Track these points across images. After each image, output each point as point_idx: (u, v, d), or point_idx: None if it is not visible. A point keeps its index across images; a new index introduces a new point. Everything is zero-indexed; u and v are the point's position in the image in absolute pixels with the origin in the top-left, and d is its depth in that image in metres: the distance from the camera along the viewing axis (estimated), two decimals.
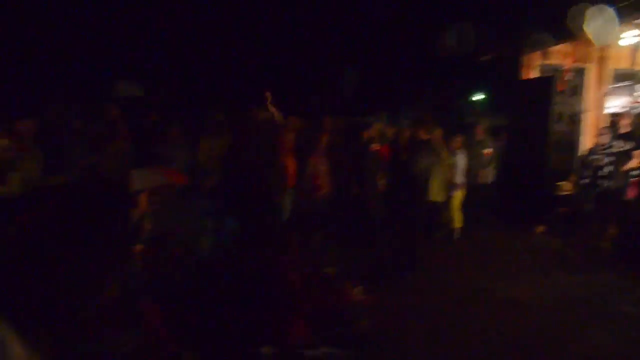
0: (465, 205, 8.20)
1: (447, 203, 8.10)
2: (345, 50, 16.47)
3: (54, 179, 5.91)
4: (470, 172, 8.23)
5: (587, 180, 7.88)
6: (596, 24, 8.29)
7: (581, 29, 8.80)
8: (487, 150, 8.46)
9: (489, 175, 8.70)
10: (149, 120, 7.65)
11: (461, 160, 8.02)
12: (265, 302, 4.28)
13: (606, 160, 7.59)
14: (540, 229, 8.42)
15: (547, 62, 10.95)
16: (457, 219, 8.04)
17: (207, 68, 14.65)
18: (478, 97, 16.88)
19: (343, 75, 15.57)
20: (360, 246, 7.06)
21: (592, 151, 7.94)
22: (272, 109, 6.83)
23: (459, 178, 8.04)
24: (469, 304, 5.38)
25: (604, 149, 7.64)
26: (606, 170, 7.56)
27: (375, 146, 7.73)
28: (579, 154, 9.55)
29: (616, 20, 8.03)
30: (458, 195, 8.04)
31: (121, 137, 6.67)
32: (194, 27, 14.52)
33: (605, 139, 7.65)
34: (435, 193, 7.81)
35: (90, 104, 8.32)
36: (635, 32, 9.20)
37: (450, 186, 8.02)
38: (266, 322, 4.26)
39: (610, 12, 7.90)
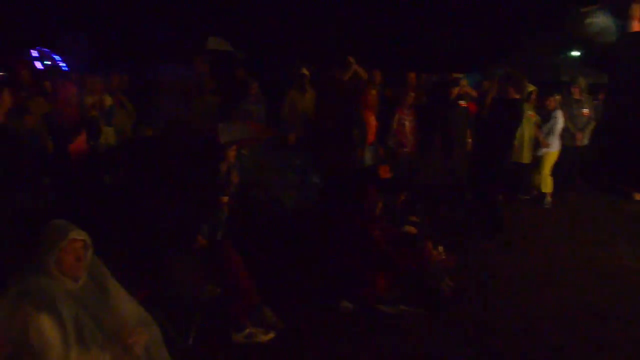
0: (559, 168, 7.73)
1: (535, 165, 7.68)
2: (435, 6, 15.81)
3: (145, 130, 6.17)
4: (566, 133, 7.71)
5: None
6: None
7: None
8: (585, 111, 7.85)
9: (585, 137, 8.10)
10: (236, 75, 7.75)
11: (557, 121, 7.51)
12: (347, 257, 4.28)
13: None
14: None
15: None
16: (546, 183, 7.60)
17: (295, 24, 14.59)
18: (576, 52, 15.71)
19: (432, 31, 15.02)
20: (445, 205, 6.90)
21: None
22: (357, 68, 6.74)
23: (552, 140, 7.55)
24: (558, 269, 5.10)
25: None
26: None
27: (462, 103, 7.44)
28: None
29: None
30: (549, 158, 7.58)
31: (209, 92, 6.81)
32: None
33: None
34: (521, 154, 7.47)
35: (181, 59, 8.55)
36: None
37: (537, 147, 7.58)
38: (346, 277, 4.28)
39: None
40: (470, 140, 7.36)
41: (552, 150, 7.58)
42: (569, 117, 7.76)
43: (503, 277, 4.90)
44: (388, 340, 3.72)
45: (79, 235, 2.35)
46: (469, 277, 4.75)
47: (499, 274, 4.96)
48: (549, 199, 7.59)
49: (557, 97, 7.66)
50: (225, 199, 4.81)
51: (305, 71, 7.13)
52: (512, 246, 5.79)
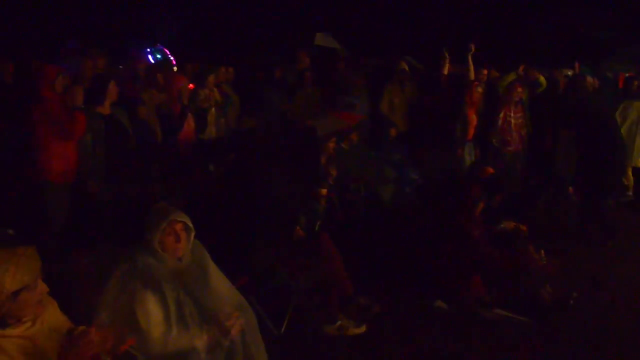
0: None
1: None
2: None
3: (249, 122, 6.36)
4: None
5: None
6: None
7: None
8: None
9: None
10: (337, 69, 7.80)
11: None
12: (444, 256, 4.16)
13: None
14: None
15: None
16: None
17: (398, 20, 14.43)
18: None
19: (539, 24, 14.17)
20: (548, 208, 6.52)
21: None
22: (470, 62, 6.66)
23: None
24: None
25: None
26: None
27: None
28: None
29: None
30: None
31: (310, 85, 6.91)
32: None
33: None
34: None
35: (286, 53, 8.76)
36: None
37: None
38: (443, 275, 4.17)
39: None
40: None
41: None
42: None
43: (609, 288, 4.51)
44: (483, 345, 3.60)
45: (179, 217, 2.45)
46: (571, 285, 4.38)
47: (604, 284, 4.57)
48: None
49: None
50: (324, 191, 4.85)
51: (404, 66, 7.03)
52: (619, 254, 5.32)
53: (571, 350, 3.55)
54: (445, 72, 6.74)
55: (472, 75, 6.79)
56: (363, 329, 3.72)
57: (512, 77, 6.87)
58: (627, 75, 8.33)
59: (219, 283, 2.59)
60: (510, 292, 4.17)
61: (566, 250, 5.17)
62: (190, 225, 2.49)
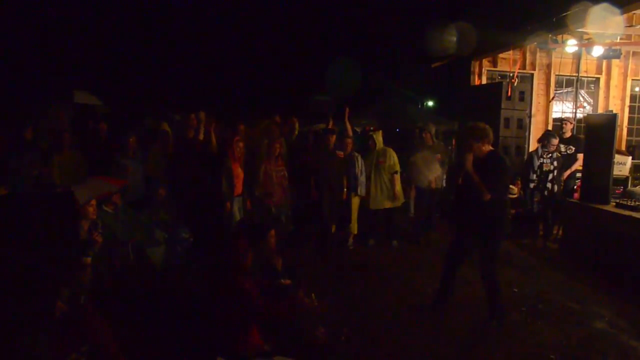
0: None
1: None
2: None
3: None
4: (422, 176, 8.30)
5: (534, 184, 8.16)
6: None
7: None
8: (438, 155, 8.54)
9: (439, 179, 8.79)
10: (101, 129, 7.48)
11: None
12: (218, 312, 4.23)
13: (553, 164, 7.89)
14: None
15: (496, 69, 11.36)
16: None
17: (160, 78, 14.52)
18: (429, 102, 17.24)
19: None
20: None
21: (537, 155, 8.20)
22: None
23: None
24: (419, 307, 5.43)
25: (551, 153, 7.93)
26: (552, 173, 7.86)
27: (339, 153, 7.81)
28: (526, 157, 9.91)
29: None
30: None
31: (68, 147, 6.51)
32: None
33: (553, 142, 7.94)
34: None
35: (40, 112, 8.11)
36: (576, 41, 9.61)
37: None
38: (219, 332, 4.21)
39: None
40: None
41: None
42: (423, 162, 8.35)
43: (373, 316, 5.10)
44: None
45: None
46: (341, 323, 4.81)
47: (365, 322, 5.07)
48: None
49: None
50: (88, 260, 4.57)
51: (166, 127, 7.13)
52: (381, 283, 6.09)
53: None
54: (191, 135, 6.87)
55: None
56: None
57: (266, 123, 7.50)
58: (371, 128, 9.62)
59: None
60: (287, 338, 4.32)
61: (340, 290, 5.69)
62: None
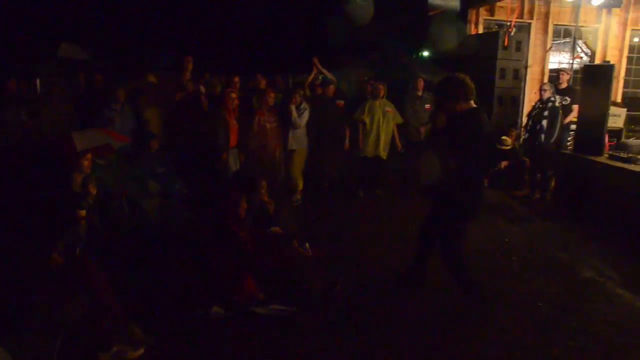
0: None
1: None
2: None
3: None
4: (411, 128, 8.26)
5: (527, 134, 8.14)
6: None
7: None
8: (427, 106, 8.44)
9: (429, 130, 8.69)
10: (97, 80, 7.35)
11: None
12: (214, 261, 4.28)
13: (545, 114, 7.83)
14: (484, 182, 8.65)
15: (493, 18, 11.12)
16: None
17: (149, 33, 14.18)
18: (425, 52, 16.95)
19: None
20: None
21: (534, 106, 8.15)
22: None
23: None
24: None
25: (545, 104, 7.87)
26: (545, 124, 7.80)
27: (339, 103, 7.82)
28: (522, 108, 9.83)
29: None
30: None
31: (58, 99, 6.42)
32: None
33: (547, 94, 7.85)
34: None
35: (25, 65, 7.95)
36: None
37: None
38: (215, 281, 4.27)
39: None
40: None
41: None
42: (413, 113, 8.31)
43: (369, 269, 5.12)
44: (262, 341, 3.75)
45: None
46: (337, 269, 4.83)
47: (364, 267, 5.13)
48: None
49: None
50: (83, 212, 4.57)
51: (152, 79, 7.09)
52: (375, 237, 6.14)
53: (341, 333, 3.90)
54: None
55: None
56: (141, 351, 3.57)
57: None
58: (366, 78, 9.44)
59: None
60: (282, 287, 4.37)
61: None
62: None
